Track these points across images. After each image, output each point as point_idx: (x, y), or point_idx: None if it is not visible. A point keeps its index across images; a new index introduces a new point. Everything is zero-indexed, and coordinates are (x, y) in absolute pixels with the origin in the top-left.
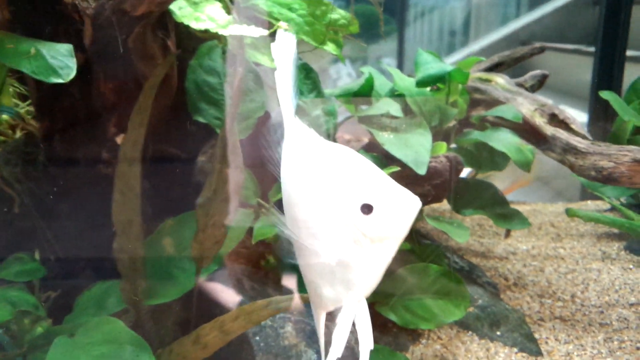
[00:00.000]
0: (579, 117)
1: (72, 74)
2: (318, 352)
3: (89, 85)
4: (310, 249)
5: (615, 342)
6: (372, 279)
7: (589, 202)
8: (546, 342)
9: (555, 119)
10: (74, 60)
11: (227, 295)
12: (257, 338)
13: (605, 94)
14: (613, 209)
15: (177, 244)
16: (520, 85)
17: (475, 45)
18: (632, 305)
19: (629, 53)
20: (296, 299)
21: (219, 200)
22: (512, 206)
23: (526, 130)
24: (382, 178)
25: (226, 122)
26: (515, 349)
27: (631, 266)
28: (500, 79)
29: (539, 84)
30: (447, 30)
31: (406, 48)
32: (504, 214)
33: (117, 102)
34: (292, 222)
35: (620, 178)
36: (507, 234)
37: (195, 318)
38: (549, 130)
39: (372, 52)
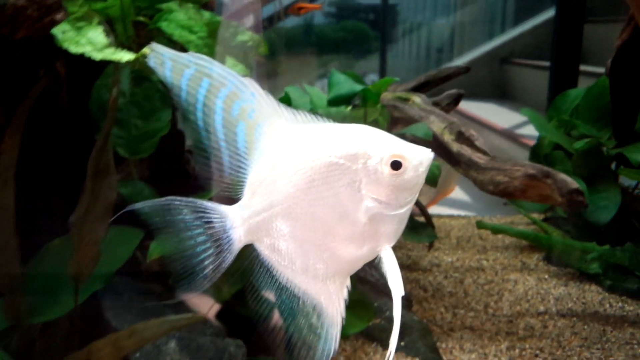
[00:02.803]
0: None
1: None
2: None
3: None
4: (344, 221)
5: (517, 350)
6: (401, 227)
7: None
8: (451, 352)
9: (462, 137)
10: None
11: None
12: (137, 355)
13: (524, 112)
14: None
15: (62, 263)
16: (436, 104)
17: (458, 62)
18: (540, 314)
19: (582, 68)
20: (194, 317)
21: (92, 218)
22: (448, 220)
23: (438, 147)
24: (396, 138)
25: (97, 142)
26: (417, 359)
27: (546, 276)
28: (418, 98)
29: (455, 103)
30: (433, 47)
31: (391, 64)
32: (413, 226)
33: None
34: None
35: (515, 192)
36: (430, 246)
37: (82, 334)
38: (455, 147)
39: (360, 67)
